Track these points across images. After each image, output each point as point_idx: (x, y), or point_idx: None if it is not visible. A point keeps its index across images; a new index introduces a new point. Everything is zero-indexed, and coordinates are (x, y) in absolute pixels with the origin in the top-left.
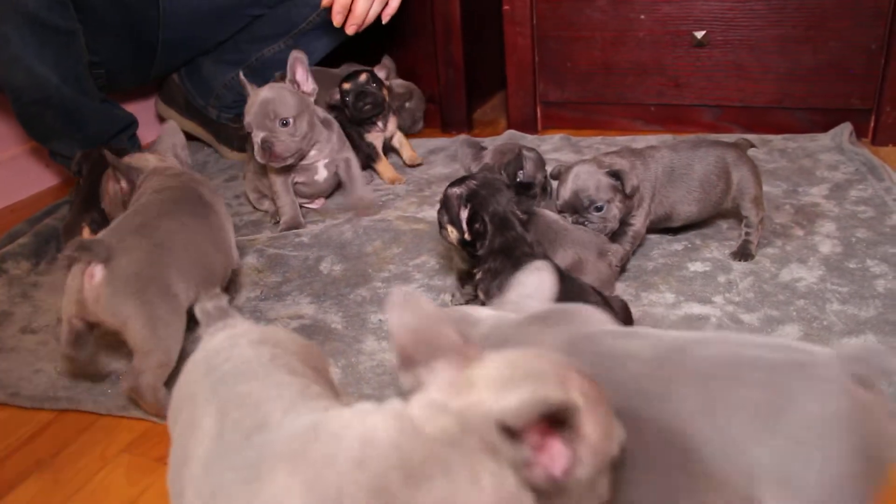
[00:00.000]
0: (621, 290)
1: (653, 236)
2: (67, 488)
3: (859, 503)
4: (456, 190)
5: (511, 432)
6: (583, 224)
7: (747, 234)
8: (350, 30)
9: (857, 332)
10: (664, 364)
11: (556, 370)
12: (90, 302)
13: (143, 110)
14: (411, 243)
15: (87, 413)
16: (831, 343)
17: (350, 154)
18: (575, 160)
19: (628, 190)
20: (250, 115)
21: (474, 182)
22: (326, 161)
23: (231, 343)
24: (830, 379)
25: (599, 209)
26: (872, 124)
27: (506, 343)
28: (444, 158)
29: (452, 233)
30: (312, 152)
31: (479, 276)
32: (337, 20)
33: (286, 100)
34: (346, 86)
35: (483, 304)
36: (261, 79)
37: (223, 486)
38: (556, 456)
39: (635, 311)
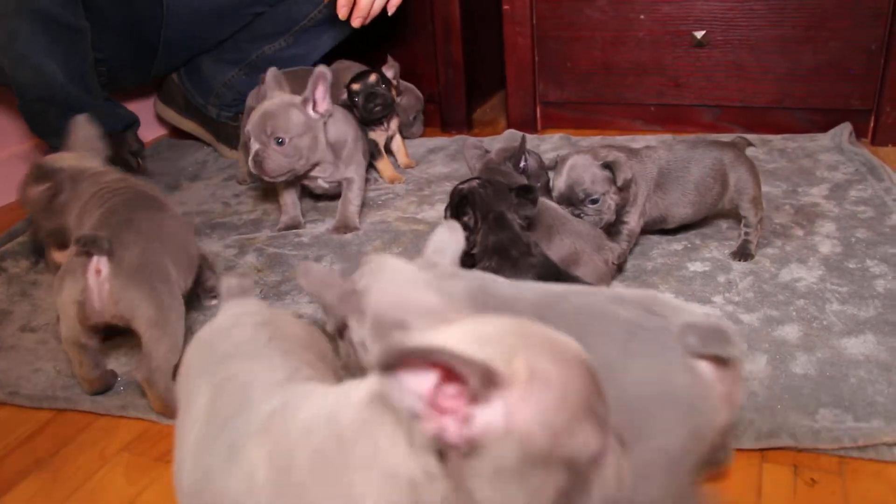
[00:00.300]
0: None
1: (652, 236)
2: (66, 487)
3: (683, 473)
4: (459, 186)
5: (393, 373)
6: (578, 216)
7: (746, 234)
8: (356, 22)
9: (857, 332)
10: (542, 308)
11: (516, 340)
12: (97, 297)
13: (141, 110)
14: (411, 243)
15: (86, 412)
16: (831, 343)
17: (355, 174)
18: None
19: (620, 182)
20: (250, 123)
21: (478, 182)
22: (328, 178)
23: (235, 321)
24: (674, 349)
25: (595, 202)
26: (872, 124)
27: None
28: (443, 158)
29: None
30: (314, 172)
31: None
32: (342, 13)
33: (289, 118)
34: (356, 86)
35: None
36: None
37: (209, 470)
38: (451, 413)
39: None
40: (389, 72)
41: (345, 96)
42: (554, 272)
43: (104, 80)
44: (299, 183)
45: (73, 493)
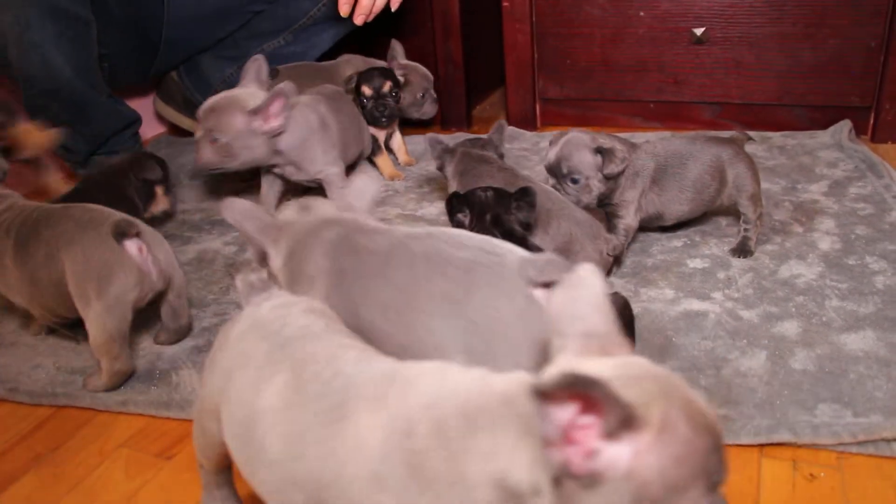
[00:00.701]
0: (620, 286)
1: (652, 233)
2: (66, 483)
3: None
4: (466, 189)
5: (542, 401)
6: (558, 190)
7: (746, 230)
8: (358, 20)
9: (857, 328)
10: (391, 256)
11: (656, 387)
12: (152, 272)
13: (140, 108)
14: None
15: (86, 409)
16: (830, 339)
17: (327, 173)
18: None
19: (606, 171)
20: (201, 108)
21: (482, 187)
22: (292, 177)
23: (283, 311)
24: (512, 278)
25: (575, 181)
26: (872, 121)
27: (300, 237)
28: None
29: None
30: (275, 169)
31: None
32: (344, 10)
33: (229, 120)
34: (367, 91)
35: None
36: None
37: (310, 428)
38: (581, 444)
39: (634, 307)
40: (395, 64)
41: (350, 86)
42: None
43: (105, 76)
44: (272, 172)
45: (73, 489)
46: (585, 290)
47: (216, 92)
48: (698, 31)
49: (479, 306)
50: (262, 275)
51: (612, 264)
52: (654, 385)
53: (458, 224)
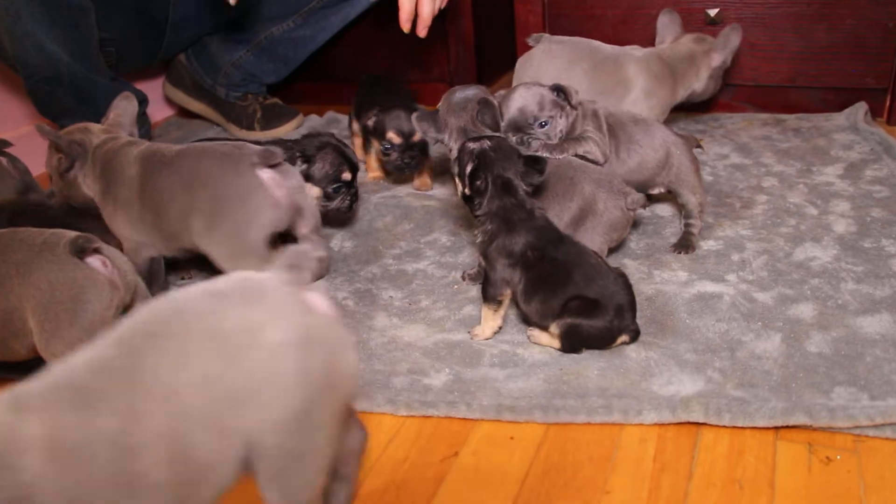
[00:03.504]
0: (633, 268)
1: (665, 214)
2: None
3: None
4: (471, 145)
5: None
6: (528, 143)
7: (689, 225)
8: (422, 33)
9: (873, 310)
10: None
11: None
12: (121, 286)
13: (150, 90)
14: (422, 220)
15: None
16: (846, 322)
17: None
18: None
19: (574, 101)
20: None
21: (489, 143)
22: None
23: None
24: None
25: (544, 125)
26: (888, 103)
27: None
28: None
29: (458, 186)
30: None
31: (479, 238)
32: (406, 27)
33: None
34: (397, 139)
35: (482, 266)
36: (269, 57)
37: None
38: None
39: (647, 289)
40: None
41: (369, 122)
42: (555, 237)
43: (112, 60)
44: None
45: None
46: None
47: (225, 75)
48: (712, 12)
49: (216, 182)
50: None
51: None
52: None
53: (476, 192)
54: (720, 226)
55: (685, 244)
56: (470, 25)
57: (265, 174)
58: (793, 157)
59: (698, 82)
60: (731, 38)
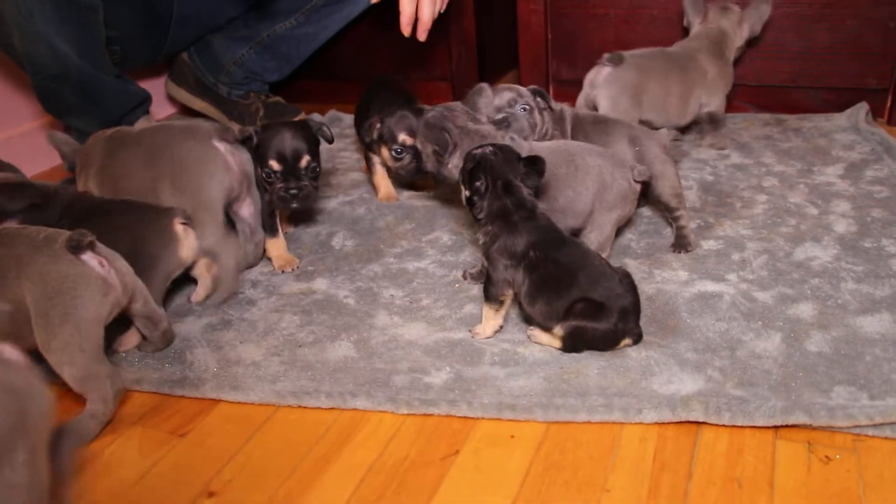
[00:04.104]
0: (634, 267)
1: (665, 215)
2: (80, 460)
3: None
4: (474, 151)
5: None
6: (508, 124)
7: (679, 225)
8: (422, 36)
9: (873, 310)
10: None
11: None
12: (118, 285)
13: (152, 88)
14: (424, 219)
15: None
16: (846, 321)
17: None
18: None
19: (554, 105)
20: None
21: (491, 148)
22: None
23: None
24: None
25: (525, 109)
26: (889, 104)
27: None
28: None
29: (462, 190)
30: None
31: (481, 239)
32: (406, 31)
33: None
34: (408, 141)
35: (485, 267)
36: (271, 55)
37: None
38: None
39: (648, 289)
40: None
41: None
42: (556, 238)
43: (117, 58)
44: None
45: (86, 466)
46: None
47: (228, 73)
48: None
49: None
50: None
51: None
52: None
53: (476, 193)
54: (721, 225)
55: (682, 242)
56: (472, 25)
57: (220, 144)
58: (793, 157)
59: (738, 52)
60: (762, 8)
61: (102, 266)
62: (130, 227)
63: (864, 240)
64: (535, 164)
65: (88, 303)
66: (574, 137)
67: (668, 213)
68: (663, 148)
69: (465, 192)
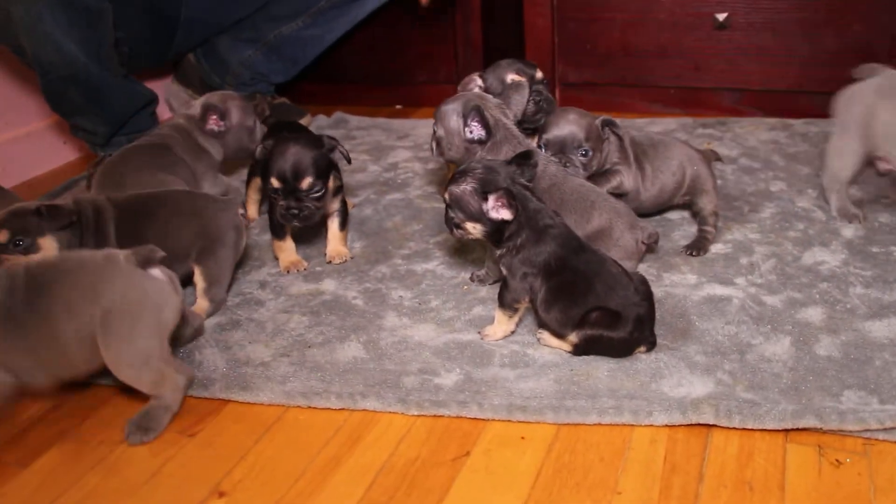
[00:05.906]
0: (643, 270)
1: (674, 217)
2: (89, 459)
3: None
4: (464, 188)
5: None
6: (564, 164)
7: (705, 230)
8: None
9: (882, 315)
10: None
11: None
12: (181, 293)
13: (158, 89)
14: (432, 220)
15: (109, 386)
16: (855, 326)
17: None
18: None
19: (622, 133)
20: None
21: (478, 172)
22: None
23: None
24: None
25: (585, 154)
26: None
27: None
28: None
29: (475, 228)
30: None
31: (501, 252)
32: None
33: None
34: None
35: (506, 278)
36: (277, 56)
37: None
38: None
39: (657, 292)
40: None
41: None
42: (577, 245)
43: (124, 60)
44: None
45: (96, 465)
46: None
47: (234, 74)
48: (721, 17)
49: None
50: None
51: (646, 252)
52: None
53: (500, 223)
54: (728, 229)
55: (698, 246)
56: (478, 27)
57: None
58: (800, 162)
59: None
60: None
61: (167, 276)
62: (198, 213)
63: (871, 245)
64: (526, 158)
65: (168, 312)
66: (639, 166)
67: (701, 223)
68: (712, 167)
69: (484, 228)
